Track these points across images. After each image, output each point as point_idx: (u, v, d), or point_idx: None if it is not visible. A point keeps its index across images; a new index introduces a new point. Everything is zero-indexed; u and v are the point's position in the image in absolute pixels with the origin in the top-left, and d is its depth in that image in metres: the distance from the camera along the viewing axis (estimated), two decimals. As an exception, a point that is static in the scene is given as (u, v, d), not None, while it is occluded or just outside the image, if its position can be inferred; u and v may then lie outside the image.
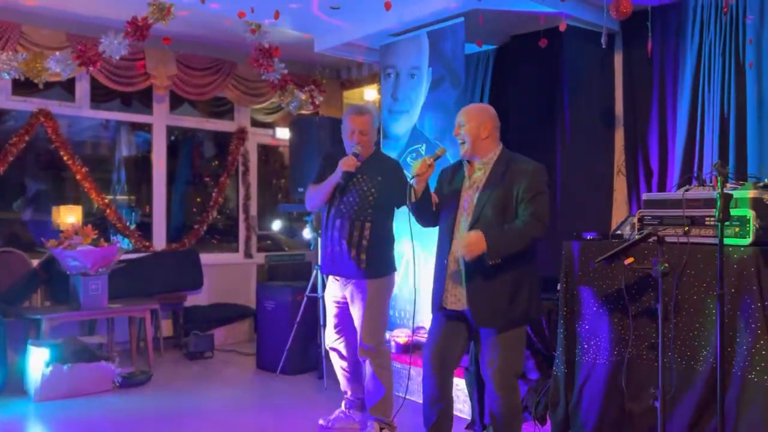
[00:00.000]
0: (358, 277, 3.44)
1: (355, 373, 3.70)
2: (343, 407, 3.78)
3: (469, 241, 2.67)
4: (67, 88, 5.58)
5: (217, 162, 6.82)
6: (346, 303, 3.56)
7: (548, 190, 2.83)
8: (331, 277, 3.64)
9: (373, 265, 3.42)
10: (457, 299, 2.83)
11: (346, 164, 3.37)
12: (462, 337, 2.92)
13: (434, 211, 2.97)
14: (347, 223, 3.42)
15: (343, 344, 3.68)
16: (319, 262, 3.83)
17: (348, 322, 3.59)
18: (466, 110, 2.92)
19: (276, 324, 5.02)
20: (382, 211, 3.48)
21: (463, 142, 2.85)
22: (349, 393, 3.77)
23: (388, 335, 4.55)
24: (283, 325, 4.92)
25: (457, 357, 2.95)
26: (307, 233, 5.22)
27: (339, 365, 3.74)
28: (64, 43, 5.15)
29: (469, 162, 2.91)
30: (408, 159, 4.73)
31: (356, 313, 3.50)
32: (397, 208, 3.53)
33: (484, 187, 2.81)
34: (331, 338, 3.71)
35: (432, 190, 2.95)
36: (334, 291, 3.63)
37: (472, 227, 2.75)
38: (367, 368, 3.50)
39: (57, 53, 4.92)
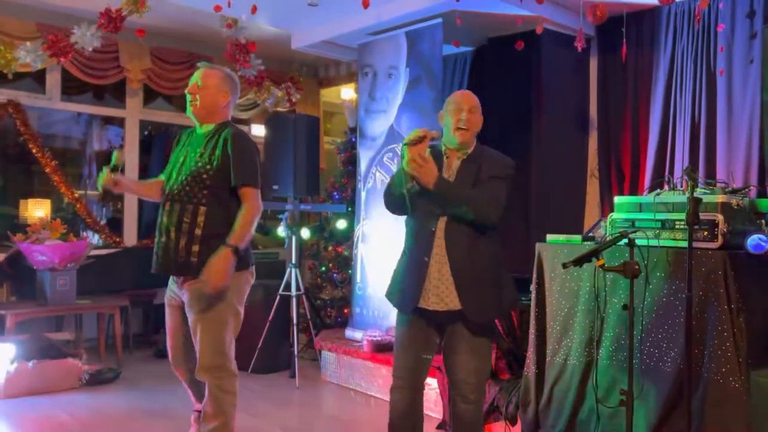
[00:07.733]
0: (191, 274, 2.70)
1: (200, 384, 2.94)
2: (192, 421, 3.09)
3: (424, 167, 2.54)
4: (38, 79, 5.46)
5: (191, 158, 6.73)
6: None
7: (508, 180, 2.70)
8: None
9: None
10: (441, 299, 2.61)
11: None
12: (434, 342, 2.73)
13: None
14: (177, 207, 2.74)
15: (190, 359, 2.90)
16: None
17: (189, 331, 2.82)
18: (468, 98, 2.78)
19: (248, 322, 4.91)
20: (224, 193, 2.78)
21: (467, 129, 2.72)
22: (199, 406, 3.02)
23: (360, 335, 4.53)
24: (256, 324, 4.86)
25: (428, 365, 2.76)
26: (281, 230, 5.16)
27: (185, 379, 3.01)
28: (34, 33, 5.03)
29: (450, 152, 2.77)
30: (384, 159, 4.73)
31: (192, 322, 2.77)
32: (234, 185, 2.79)
33: (456, 178, 2.71)
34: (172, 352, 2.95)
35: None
36: (171, 293, 2.87)
37: (448, 220, 2.62)
38: (207, 389, 2.80)
39: (27, 43, 4.82)
